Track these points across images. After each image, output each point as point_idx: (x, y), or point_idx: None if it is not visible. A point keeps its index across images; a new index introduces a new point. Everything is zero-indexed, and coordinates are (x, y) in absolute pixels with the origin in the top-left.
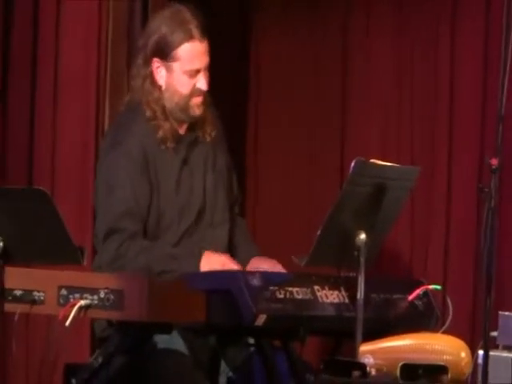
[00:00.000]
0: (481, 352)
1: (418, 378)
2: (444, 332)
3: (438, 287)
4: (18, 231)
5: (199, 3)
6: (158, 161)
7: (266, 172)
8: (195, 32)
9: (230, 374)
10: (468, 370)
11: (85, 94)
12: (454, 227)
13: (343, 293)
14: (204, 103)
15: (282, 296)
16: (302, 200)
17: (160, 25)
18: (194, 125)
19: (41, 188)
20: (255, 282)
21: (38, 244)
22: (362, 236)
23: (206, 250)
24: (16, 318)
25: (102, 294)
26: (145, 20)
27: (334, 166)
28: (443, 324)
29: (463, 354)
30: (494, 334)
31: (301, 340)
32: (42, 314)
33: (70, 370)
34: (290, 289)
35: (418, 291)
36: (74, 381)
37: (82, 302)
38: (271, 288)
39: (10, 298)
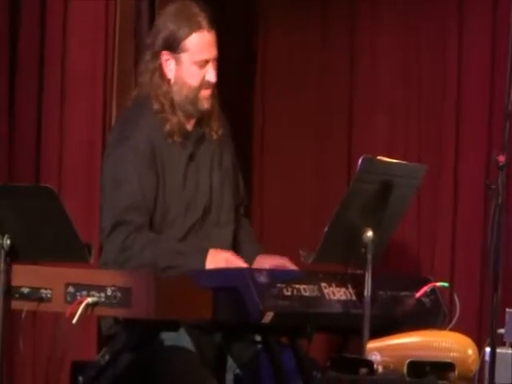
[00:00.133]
0: (488, 349)
1: (425, 375)
2: (451, 329)
3: (446, 284)
4: (25, 229)
5: (206, 1)
6: (165, 155)
7: (272, 171)
8: (203, 23)
9: (237, 371)
10: (475, 367)
11: (92, 93)
12: (461, 224)
13: (350, 290)
14: (212, 97)
15: (289, 293)
16: (309, 198)
17: (167, 20)
18: (201, 121)
19: (48, 185)
20: (262, 279)
21: (45, 241)
22: (369, 233)
23: (212, 248)
24: (23, 315)
25: (109, 292)
26: (152, 19)
27: (340, 164)
28: (450, 321)
29: (470, 352)
30: (501, 331)
31: (308, 337)
32: (49, 312)
33: (77, 368)
34: (297, 286)
35: (426, 288)
36: (80, 378)
37: (89, 300)
38: (278, 285)
39: (17, 295)
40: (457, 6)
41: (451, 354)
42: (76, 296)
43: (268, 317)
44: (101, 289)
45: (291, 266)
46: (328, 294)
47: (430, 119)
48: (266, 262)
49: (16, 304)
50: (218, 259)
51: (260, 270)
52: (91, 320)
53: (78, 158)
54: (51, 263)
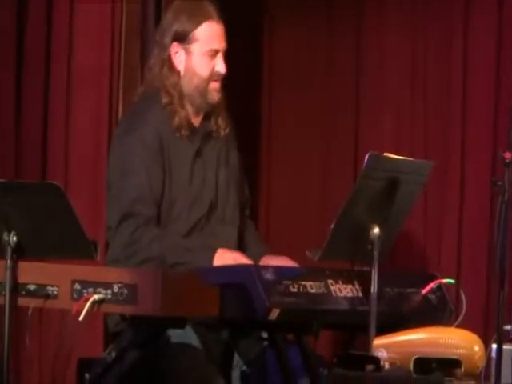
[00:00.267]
0: (494, 346)
1: (431, 372)
2: (457, 326)
3: (452, 281)
4: (31, 226)
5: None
6: (172, 148)
7: (279, 170)
8: (213, 13)
9: (244, 367)
10: (481, 364)
11: (98, 91)
12: (468, 221)
13: (357, 287)
14: (221, 91)
15: (295, 290)
16: (316, 197)
17: (176, 13)
18: (209, 118)
19: (54, 182)
20: (269, 276)
21: (52, 238)
22: (376, 230)
23: (218, 245)
24: (29, 312)
25: (115, 289)
26: (158, 16)
27: (347, 164)
28: (457, 318)
29: (477, 348)
30: (508, 327)
31: (314, 334)
32: (55, 309)
33: (84, 365)
34: (303, 283)
35: (432, 285)
36: (87, 375)
37: (96, 297)
38: (285, 282)
39: (23, 292)
40: (463, 6)
41: (458, 351)
42: (82, 293)
43: (274, 313)
44: (107, 286)
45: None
46: (334, 290)
47: (436, 118)
48: (271, 262)
49: (22, 301)
50: (226, 258)
51: (266, 267)
52: (97, 317)
53: (85, 155)
54: (57, 260)
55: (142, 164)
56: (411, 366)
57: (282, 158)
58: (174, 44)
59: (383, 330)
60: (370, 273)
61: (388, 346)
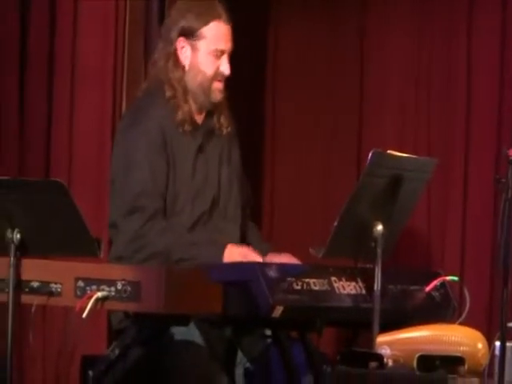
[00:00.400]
0: (498, 343)
1: (434, 369)
2: (461, 323)
3: (455, 278)
4: (35, 223)
5: None
6: (176, 143)
7: (282, 169)
8: (222, 13)
9: (247, 365)
10: (485, 361)
11: (101, 89)
12: (471, 218)
13: (360, 284)
14: (224, 92)
15: (299, 287)
16: (319, 196)
17: (185, 8)
18: (211, 116)
19: (58, 180)
20: (272, 273)
21: (55, 236)
22: (379, 227)
23: (223, 240)
24: (33, 309)
25: (119, 286)
26: (162, 14)
27: (350, 162)
28: (460, 315)
29: (480, 345)
30: (511, 325)
31: (318, 331)
32: (58, 306)
33: (87, 362)
34: (307, 280)
35: (435, 282)
36: (90, 372)
37: (99, 294)
38: (288, 279)
39: (26, 289)
40: (467, 6)
41: (461, 348)
42: (86, 290)
43: (278, 311)
44: (111, 283)
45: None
46: (338, 288)
47: (439, 116)
48: (275, 259)
49: (26, 298)
50: (236, 253)
51: (270, 264)
52: (101, 314)
53: (88, 152)
54: (61, 257)
55: (146, 158)
56: (414, 364)
57: (285, 155)
58: (181, 39)
59: (386, 328)
60: (373, 270)
61: (391, 344)
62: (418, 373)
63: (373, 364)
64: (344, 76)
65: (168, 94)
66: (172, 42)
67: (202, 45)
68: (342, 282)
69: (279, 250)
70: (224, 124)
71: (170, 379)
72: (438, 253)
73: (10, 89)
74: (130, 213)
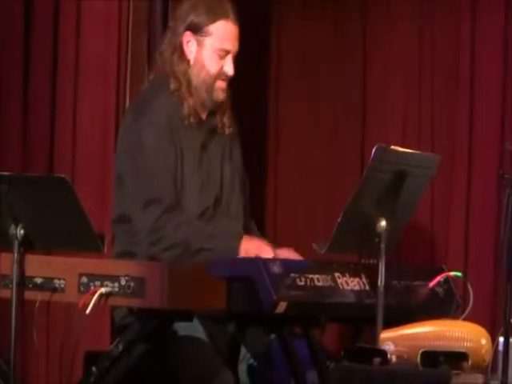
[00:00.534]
0: (501, 339)
1: (438, 365)
2: (464, 319)
3: (459, 274)
4: (38, 219)
5: None
6: (182, 134)
7: (286, 163)
8: (231, 14)
9: (251, 360)
10: (488, 357)
11: (105, 85)
12: (475, 214)
13: (364, 280)
14: (227, 92)
15: (302, 283)
16: (323, 190)
17: (194, 5)
18: (214, 115)
19: (62, 176)
20: (276, 269)
21: (59, 232)
22: (383, 223)
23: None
24: (36, 305)
25: (122, 282)
26: (165, 13)
27: (354, 156)
28: (464, 311)
29: (484, 341)
30: None
31: (321, 327)
32: (62, 302)
33: (91, 358)
34: (310, 276)
35: (439, 278)
36: (94, 368)
37: (103, 290)
38: (292, 275)
39: (30, 285)
40: (470, 4)
41: (465, 344)
42: (89, 286)
43: (281, 307)
44: (114, 279)
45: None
46: (342, 283)
47: (443, 109)
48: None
49: (29, 294)
50: (251, 246)
51: (274, 260)
52: (104, 310)
53: (92, 149)
54: (64, 253)
55: (157, 148)
56: (418, 360)
57: (288, 153)
58: (188, 33)
59: (390, 323)
60: (376, 266)
61: (395, 339)
62: (421, 368)
63: (376, 360)
64: (347, 75)
65: (173, 86)
66: (179, 35)
67: (208, 42)
68: (345, 278)
69: (283, 246)
70: (226, 123)
71: (173, 375)
72: (442, 248)
73: (14, 87)
74: (147, 205)
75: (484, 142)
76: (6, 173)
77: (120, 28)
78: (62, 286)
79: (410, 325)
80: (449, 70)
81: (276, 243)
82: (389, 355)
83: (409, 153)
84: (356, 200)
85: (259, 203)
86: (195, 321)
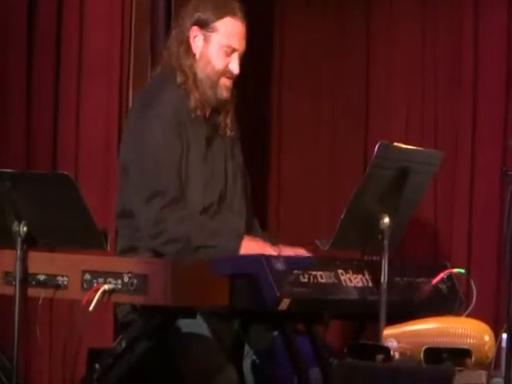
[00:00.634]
0: (505, 335)
1: (441, 362)
2: (468, 315)
3: (462, 271)
4: (42, 216)
5: None
6: (188, 127)
7: (289, 160)
8: (239, 12)
9: (254, 357)
10: (492, 354)
11: (108, 80)
12: (478, 211)
13: (367, 276)
14: (231, 91)
15: (305, 280)
16: (326, 187)
17: (202, 1)
18: (218, 113)
19: (65, 173)
20: (279, 266)
21: (62, 229)
22: (386, 219)
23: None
24: (39, 302)
25: (125, 279)
26: (168, 8)
27: (357, 153)
28: (467, 307)
29: (487, 338)
30: None
31: (324, 324)
32: (65, 299)
33: (94, 355)
34: (313, 273)
35: (442, 275)
36: (97, 365)
37: (106, 287)
38: (295, 272)
39: (33, 282)
40: (472, 1)
41: (468, 341)
42: (92, 283)
43: (285, 304)
44: (117, 276)
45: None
46: (345, 280)
47: (446, 106)
48: (287, 252)
49: (32, 291)
50: (253, 247)
51: (277, 257)
52: (107, 307)
53: (95, 145)
54: (68, 250)
55: (163, 141)
56: (421, 356)
57: (291, 149)
58: (195, 28)
59: (393, 320)
60: (380, 262)
61: (398, 336)
62: (424, 365)
63: (379, 357)
64: (349, 73)
65: (179, 79)
66: (186, 30)
67: (214, 38)
68: (348, 275)
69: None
70: (229, 125)
71: (177, 372)
72: (445, 245)
73: (18, 84)
74: (151, 198)
75: (487, 138)
76: (9, 170)
77: (123, 24)
78: (65, 282)
79: (413, 321)
80: (451, 67)
81: (278, 243)
82: (392, 352)
83: (412, 149)
84: (359, 197)
85: (262, 202)
86: (199, 317)
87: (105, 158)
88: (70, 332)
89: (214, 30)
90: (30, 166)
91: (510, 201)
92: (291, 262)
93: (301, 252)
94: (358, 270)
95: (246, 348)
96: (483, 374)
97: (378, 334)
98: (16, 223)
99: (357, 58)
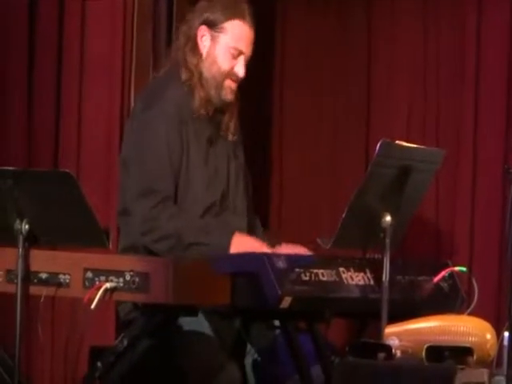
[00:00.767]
0: (506, 333)
1: (443, 360)
2: (469, 314)
3: (464, 269)
4: (43, 214)
5: None
6: (190, 126)
7: (290, 158)
8: (248, 16)
9: (256, 355)
10: (493, 352)
11: (110, 79)
12: (480, 209)
13: (368, 275)
14: (236, 94)
15: (307, 278)
16: (328, 185)
17: (212, 1)
18: (222, 114)
19: (67, 171)
20: (280, 264)
21: (64, 227)
22: (388, 218)
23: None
24: (41, 300)
25: (127, 277)
26: (170, 7)
27: (358, 151)
28: (469, 306)
29: (488, 336)
30: None
31: (326, 322)
32: (67, 297)
33: (96, 353)
34: (315, 271)
35: (444, 273)
36: (99, 363)
37: (108, 285)
38: (296, 270)
39: (35, 280)
40: None
41: (469, 339)
42: (94, 281)
43: (286, 302)
44: (119, 274)
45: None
46: (346, 278)
47: (448, 104)
48: (287, 250)
49: (34, 289)
50: (243, 243)
51: (278, 255)
52: (109, 305)
53: (97, 143)
54: (69, 248)
55: (164, 140)
56: (423, 354)
57: (292, 147)
58: (203, 27)
59: (395, 318)
60: (381, 261)
61: (400, 334)
62: (426, 363)
63: (381, 355)
64: (351, 70)
65: (184, 76)
66: (194, 28)
67: (222, 39)
68: (350, 273)
69: (287, 241)
70: (231, 129)
71: (178, 370)
72: (447, 243)
73: (20, 85)
74: (145, 194)
75: (489, 136)
76: (11, 168)
77: (125, 24)
78: (67, 281)
79: (414, 320)
80: (454, 64)
81: (280, 241)
82: (393, 350)
83: (413, 148)
84: (361, 195)
85: (263, 200)
86: (200, 315)
87: (106, 156)
88: (71, 330)
89: (222, 31)
90: (32, 166)
91: None
92: (293, 260)
93: (301, 250)
94: (359, 268)
95: (248, 346)
96: (485, 372)
97: (379, 332)
98: (18, 221)
99: (358, 56)
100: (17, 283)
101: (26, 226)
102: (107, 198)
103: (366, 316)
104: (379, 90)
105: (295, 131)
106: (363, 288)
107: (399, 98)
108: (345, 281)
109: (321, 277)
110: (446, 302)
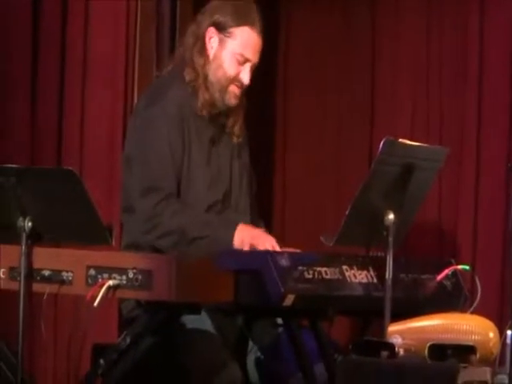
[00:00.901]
0: (509, 332)
1: (446, 358)
2: (472, 312)
3: (467, 267)
4: (47, 211)
5: None
6: (192, 126)
7: (294, 160)
8: (257, 24)
9: (258, 353)
10: (496, 350)
11: (113, 79)
12: (483, 207)
13: (372, 273)
14: (240, 100)
15: (310, 276)
16: (331, 183)
17: (223, 5)
18: (226, 116)
19: (70, 168)
20: (284, 262)
21: (67, 224)
22: (391, 216)
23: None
24: (44, 298)
25: (130, 274)
26: (173, 7)
27: (362, 149)
28: (472, 304)
29: (491, 334)
30: None
31: (329, 320)
32: (70, 294)
33: (98, 351)
34: (318, 269)
35: (447, 271)
36: (101, 361)
37: (111, 282)
38: (300, 268)
39: (38, 278)
40: None
41: (472, 337)
42: (97, 278)
43: (289, 300)
44: (122, 271)
45: None
46: (349, 276)
47: (451, 102)
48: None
49: (37, 287)
50: (246, 234)
51: (282, 253)
52: (112, 303)
53: (100, 141)
54: (72, 246)
55: (166, 138)
56: (426, 353)
57: (296, 146)
58: (211, 29)
59: (398, 316)
60: (384, 259)
61: (403, 333)
62: (429, 362)
63: (384, 353)
64: (355, 68)
65: (189, 77)
66: (203, 29)
67: (229, 44)
68: (353, 271)
69: (290, 242)
70: (235, 132)
71: (181, 368)
72: (450, 242)
73: (23, 85)
74: (147, 192)
75: (492, 134)
76: (14, 165)
77: (128, 24)
78: (70, 278)
79: (417, 318)
80: (457, 63)
81: (284, 240)
82: (396, 348)
83: (417, 146)
84: (364, 193)
85: (267, 200)
86: (203, 313)
87: (109, 154)
88: (74, 327)
89: (230, 36)
90: (35, 164)
91: None
92: (296, 257)
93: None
94: (362, 266)
95: (250, 344)
96: (488, 370)
97: (382, 331)
98: (21, 219)
99: (362, 54)
100: (20, 280)
101: (29, 224)
102: (110, 195)
103: (369, 314)
104: (383, 88)
105: (299, 129)
106: (366, 286)
107: (403, 95)
108: (348, 279)
109: (324, 275)
110: (449, 300)
